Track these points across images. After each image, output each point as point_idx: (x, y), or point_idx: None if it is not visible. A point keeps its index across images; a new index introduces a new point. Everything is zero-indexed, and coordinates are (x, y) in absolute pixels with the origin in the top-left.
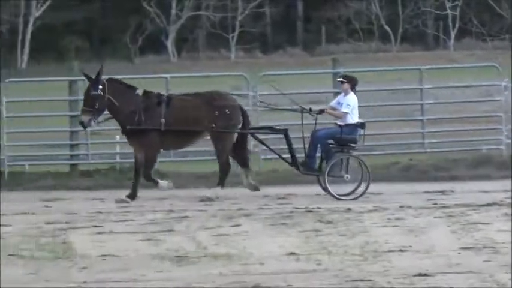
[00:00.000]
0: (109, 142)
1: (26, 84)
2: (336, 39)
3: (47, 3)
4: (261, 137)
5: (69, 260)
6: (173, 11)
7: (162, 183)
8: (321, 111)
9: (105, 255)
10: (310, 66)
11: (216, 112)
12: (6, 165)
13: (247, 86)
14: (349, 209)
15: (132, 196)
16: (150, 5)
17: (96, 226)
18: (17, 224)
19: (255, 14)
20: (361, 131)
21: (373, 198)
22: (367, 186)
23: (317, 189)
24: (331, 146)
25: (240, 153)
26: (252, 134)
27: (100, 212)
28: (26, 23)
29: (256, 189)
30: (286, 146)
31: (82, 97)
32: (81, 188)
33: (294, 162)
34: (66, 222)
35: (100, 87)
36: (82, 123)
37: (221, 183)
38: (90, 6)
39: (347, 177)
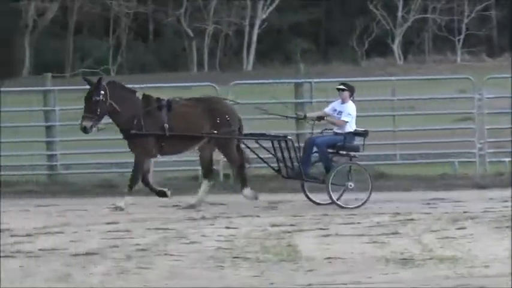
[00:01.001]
0: None
1: (251, 86)
2: None
3: (273, 6)
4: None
5: (294, 262)
6: (399, 14)
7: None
8: (320, 119)
9: (330, 258)
10: None
11: (218, 119)
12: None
13: (473, 89)
14: None
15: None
16: (376, 7)
17: (321, 229)
18: (243, 227)
19: (481, 17)
20: (361, 140)
21: None
22: (369, 195)
23: None
24: (330, 153)
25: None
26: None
27: (326, 215)
28: (252, 26)
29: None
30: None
31: (308, 100)
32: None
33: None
34: (292, 225)
35: (102, 92)
36: (84, 129)
37: (245, 184)
38: (316, 8)
39: (351, 186)
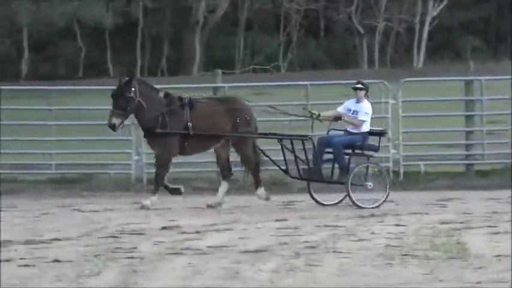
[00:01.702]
0: (504, 142)
1: (422, 83)
2: None
3: (444, 3)
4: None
5: (463, 260)
6: None
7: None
8: (338, 118)
9: (499, 256)
10: None
11: (238, 118)
12: (401, 164)
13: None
14: None
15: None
16: None
17: (490, 226)
18: (412, 224)
19: None
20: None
21: None
22: (387, 194)
23: None
24: (347, 154)
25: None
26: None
27: (495, 212)
28: (422, 23)
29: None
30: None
31: (478, 97)
32: (477, 188)
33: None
34: (461, 222)
35: (132, 89)
36: (113, 127)
37: (259, 184)
38: (486, 5)
39: (370, 186)
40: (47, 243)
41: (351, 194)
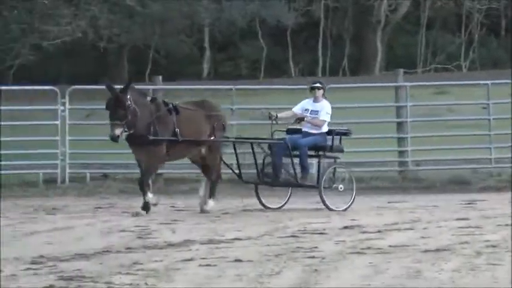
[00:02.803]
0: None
1: None
2: None
3: None
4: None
5: None
6: None
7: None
8: (300, 120)
9: None
10: None
11: (216, 123)
12: None
13: None
14: None
15: (145, 207)
16: None
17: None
18: None
19: None
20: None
21: None
22: (354, 197)
23: None
24: (317, 155)
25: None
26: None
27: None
28: None
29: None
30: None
31: None
32: None
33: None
34: None
35: (128, 96)
36: (116, 138)
37: (213, 195)
38: None
39: (341, 188)
40: (227, 243)
41: (324, 198)
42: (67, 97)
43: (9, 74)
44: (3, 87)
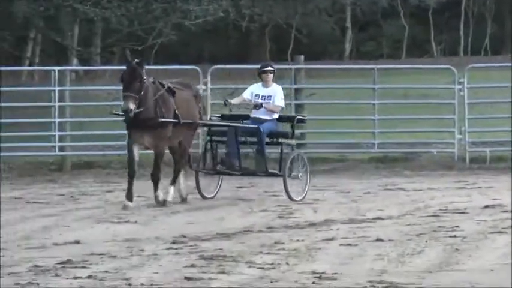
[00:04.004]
0: None
1: None
2: None
3: None
4: None
5: None
6: None
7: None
8: (259, 106)
9: None
10: None
11: (200, 104)
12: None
13: None
14: None
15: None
16: None
17: None
18: None
19: None
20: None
21: None
22: (308, 184)
23: None
24: (278, 142)
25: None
26: None
27: None
28: None
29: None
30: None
31: None
32: None
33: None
34: None
35: (144, 71)
36: (130, 112)
37: (174, 182)
38: None
39: (301, 176)
40: (369, 222)
41: (288, 187)
42: (209, 77)
43: (151, 54)
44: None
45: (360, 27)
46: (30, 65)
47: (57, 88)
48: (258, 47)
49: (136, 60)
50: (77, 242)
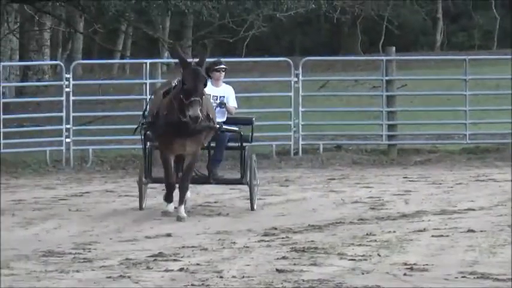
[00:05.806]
0: None
1: None
2: None
3: None
4: None
5: None
6: None
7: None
8: (223, 105)
9: None
10: None
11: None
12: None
13: None
14: None
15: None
16: None
17: None
18: None
19: None
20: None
21: None
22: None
23: None
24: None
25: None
26: None
27: None
28: None
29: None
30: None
31: None
32: None
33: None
34: None
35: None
36: (198, 120)
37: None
38: None
39: (257, 182)
40: (460, 213)
41: (254, 195)
42: (300, 68)
43: (242, 46)
44: (236, 59)
45: (452, 18)
46: (121, 58)
47: (148, 81)
48: (350, 39)
49: (195, 59)
50: (169, 235)
